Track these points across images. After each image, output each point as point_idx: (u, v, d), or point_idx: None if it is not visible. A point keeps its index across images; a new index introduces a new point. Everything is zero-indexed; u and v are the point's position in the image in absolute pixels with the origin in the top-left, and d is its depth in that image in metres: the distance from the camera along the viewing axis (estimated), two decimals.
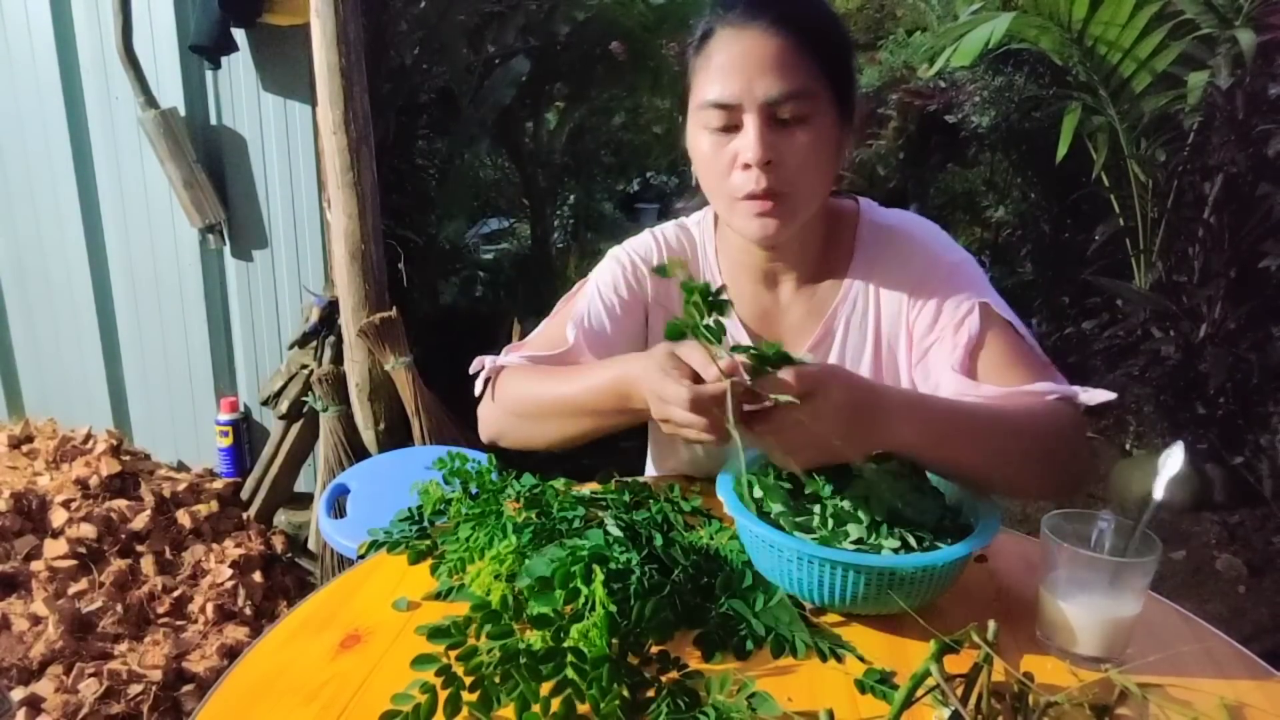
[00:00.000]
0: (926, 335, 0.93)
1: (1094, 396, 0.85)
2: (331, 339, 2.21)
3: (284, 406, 2.27)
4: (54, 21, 2.27)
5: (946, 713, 0.58)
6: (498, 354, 1.05)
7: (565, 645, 0.64)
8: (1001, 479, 0.80)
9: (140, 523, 2.17)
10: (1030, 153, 3.69)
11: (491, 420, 1.02)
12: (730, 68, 0.84)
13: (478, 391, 1.03)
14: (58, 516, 2.12)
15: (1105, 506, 2.66)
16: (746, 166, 0.85)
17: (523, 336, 1.12)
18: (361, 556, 0.87)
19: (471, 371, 1.04)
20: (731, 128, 0.86)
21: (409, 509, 0.93)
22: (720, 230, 1.04)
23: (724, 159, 0.87)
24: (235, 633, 1.96)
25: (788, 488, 0.77)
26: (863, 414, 0.71)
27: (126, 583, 2.03)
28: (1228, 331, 2.63)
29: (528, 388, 0.97)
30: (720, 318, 0.69)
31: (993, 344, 0.89)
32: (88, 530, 2.08)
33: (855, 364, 0.99)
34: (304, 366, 2.26)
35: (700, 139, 0.89)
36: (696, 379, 0.74)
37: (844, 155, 0.92)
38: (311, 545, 2.34)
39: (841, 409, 0.70)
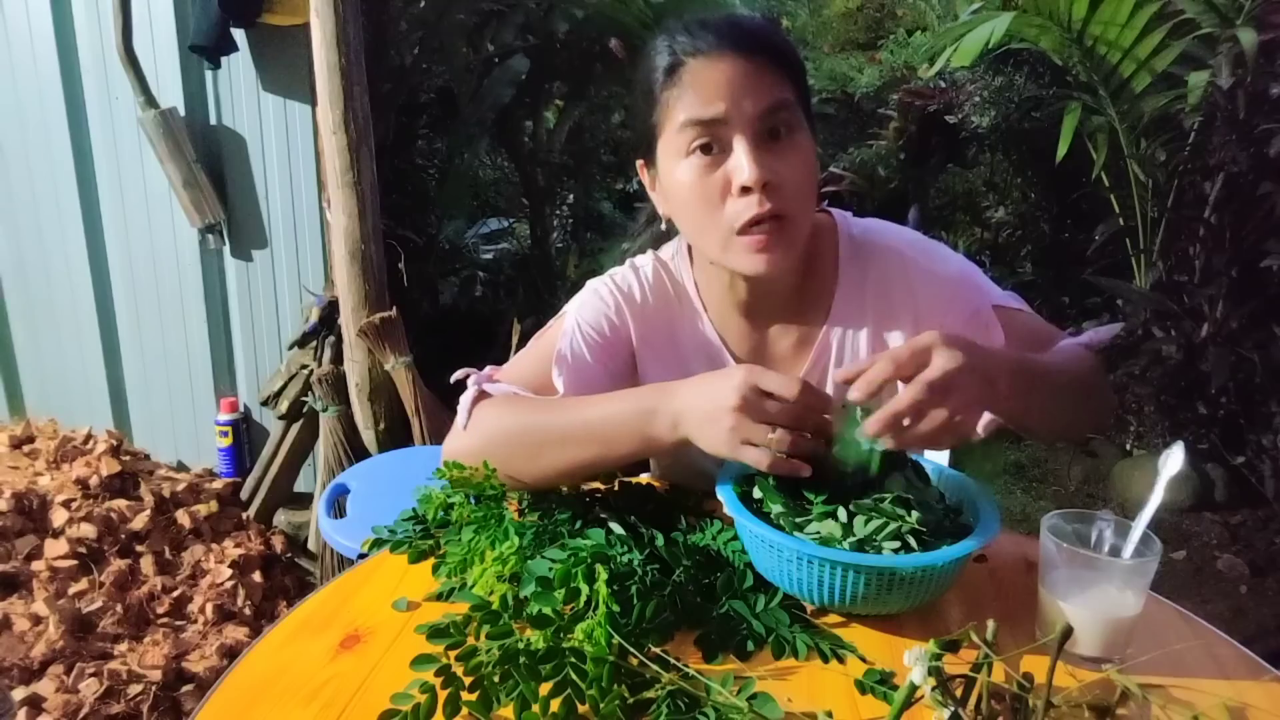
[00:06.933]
0: None
1: (1101, 335, 0.90)
2: (331, 339, 2.21)
3: (284, 406, 2.27)
4: (54, 21, 2.27)
5: (946, 713, 0.58)
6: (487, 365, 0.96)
7: (565, 645, 0.64)
8: (1060, 423, 0.88)
9: (140, 523, 2.17)
10: (1030, 153, 3.69)
11: (468, 453, 0.89)
12: (712, 87, 0.81)
13: (461, 420, 0.91)
14: (58, 516, 2.12)
15: (1105, 506, 2.66)
16: (745, 191, 0.81)
17: (522, 337, 1.09)
18: (364, 555, 0.87)
19: (454, 380, 0.95)
20: (716, 152, 0.82)
21: (412, 509, 0.93)
22: (699, 264, 0.99)
23: (712, 188, 0.82)
24: (235, 633, 1.96)
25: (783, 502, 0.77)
26: (977, 375, 0.69)
27: (126, 583, 2.03)
28: (1230, 331, 2.63)
29: (522, 417, 0.88)
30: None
31: (1016, 338, 0.89)
32: (88, 530, 2.08)
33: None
34: (304, 366, 2.26)
35: (680, 170, 0.84)
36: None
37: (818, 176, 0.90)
38: (311, 545, 2.34)
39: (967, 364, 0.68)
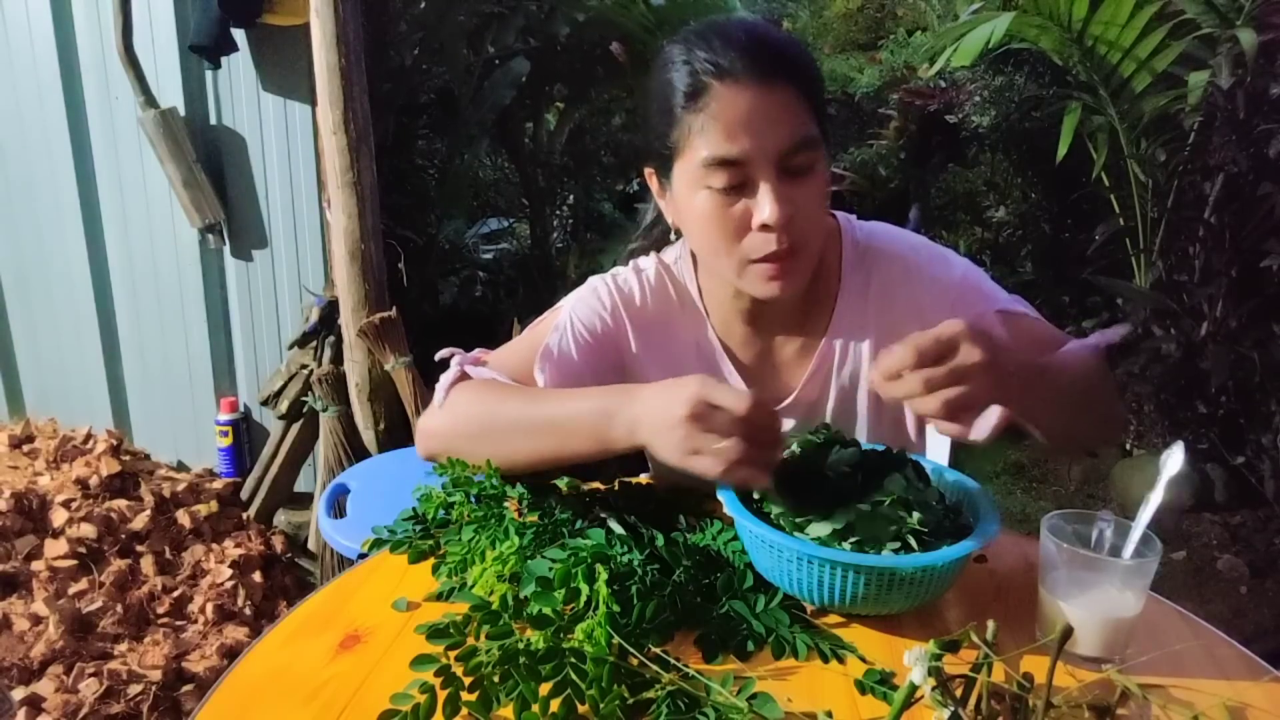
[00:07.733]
0: None
1: (1108, 336, 0.88)
2: (331, 339, 2.21)
3: (284, 406, 2.27)
4: (54, 21, 2.27)
5: (946, 713, 0.58)
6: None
7: (565, 645, 0.64)
8: (1065, 424, 0.84)
9: (140, 523, 2.17)
10: (1031, 153, 3.69)
11: (438, 434, 0.92)
12: (739, 123, 0.79)
13: (438, 399, 0.93)
14: (58, 516, 2.12)
15: (1105, 506, 2.66)
16: (765, 228, 0.81)
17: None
18: (364, 555, 0.87)
19: (438, 358, 0.96)
20: (738, 186, 0.81)
21: (412, 509, 0.93)
22: (703, 271, 0.99)
23: (731, 220, 0.82)
24: (235, 633, 1.96)
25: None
26: (993, 373, 0.68)
27: (126, 583, 2.03)
28: (1229, 330, 2.63)
29: (492, 404, 0.90)
30: None
31: (1021, 343, 0.88)
32: (88, 530, 2.08)
33: (852, 391, 0.96)
34: (304, 366, 2.26)
35: (698, 199, 0.83)
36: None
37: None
38: (311, 545, 2.34)
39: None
